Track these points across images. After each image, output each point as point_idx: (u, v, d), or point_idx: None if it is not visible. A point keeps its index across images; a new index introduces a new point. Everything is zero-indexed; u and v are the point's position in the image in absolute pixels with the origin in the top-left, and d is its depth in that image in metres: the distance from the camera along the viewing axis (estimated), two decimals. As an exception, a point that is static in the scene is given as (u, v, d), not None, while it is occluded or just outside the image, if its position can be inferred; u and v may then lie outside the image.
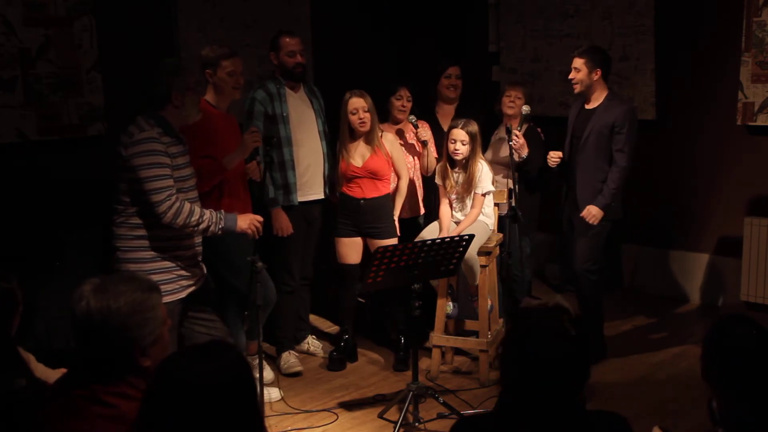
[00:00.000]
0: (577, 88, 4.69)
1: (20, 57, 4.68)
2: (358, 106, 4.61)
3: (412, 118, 4.92)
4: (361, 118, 4.61)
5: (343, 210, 4.77)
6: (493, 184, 4.76)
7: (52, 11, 4.77)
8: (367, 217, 4.71)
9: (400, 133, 4.99)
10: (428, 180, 5.08)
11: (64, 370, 2.53)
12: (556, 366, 1.91)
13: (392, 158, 4.76)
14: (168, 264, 3.58)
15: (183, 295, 3.64)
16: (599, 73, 4.64)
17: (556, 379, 1.92)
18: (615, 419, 2.06)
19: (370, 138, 4.66)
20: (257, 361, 3.95)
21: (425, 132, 4.94)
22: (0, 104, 4.63)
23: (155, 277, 3.45)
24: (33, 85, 4.73)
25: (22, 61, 4.68)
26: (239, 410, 1.76)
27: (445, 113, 5.30)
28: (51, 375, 2.93)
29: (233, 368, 1.79)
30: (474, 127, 4.64)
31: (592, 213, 4.62)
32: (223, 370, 1.77)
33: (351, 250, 4.73)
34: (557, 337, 1.93)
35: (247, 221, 3.73)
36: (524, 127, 4.99)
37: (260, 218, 3.81)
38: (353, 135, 4.68)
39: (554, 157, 4.73)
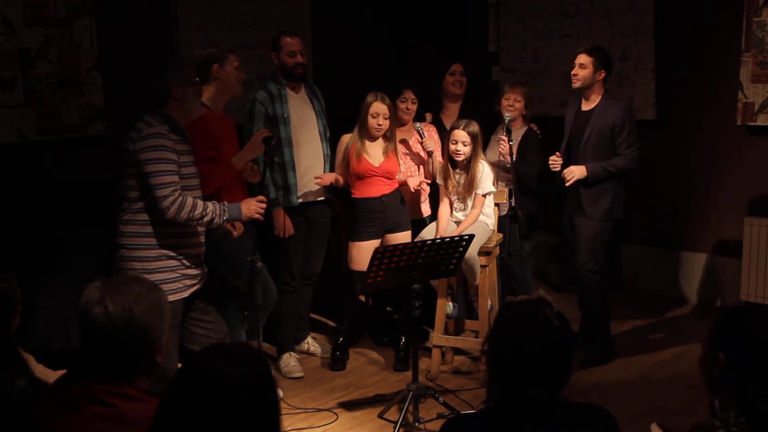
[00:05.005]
0: (577, 84, 4.65)
1: (20, 57, 4.67)
2: (380, 111, 4.61)
3: (418, 125, 4.90)
4: (380, 124, 4.62)
5: (363, 213, 4.72)
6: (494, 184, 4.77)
7: (52, 11, 4.77)
8: (390, 212, 4.72)
9: (404, 141, 4.97)
10: (433, 182, 5.09)
11: (64, 372, 2.53)
12: (540, 356, 1.98)
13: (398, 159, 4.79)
14: (173, 263, 3.59)
15: (186, 294, 3.65)
16: (603, 74, 4.64)
17: (541, 370, 1.99)
18: (599, 412, 2.10)
19: (388, 142, 4.68)
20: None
21: (430, 141, 4.91)
22: (0, 104, 4.63)
23: (160, 276, 3.47)
24: (33, 85, 4.73)
25: (22, 61, 4.68)
26: (260, 412, 1.76)
27: (450, 113, 5.29)
28: (51, 375, 2.93)
29: (256, 371, 1.79)
30: (475, 128, 4.63)
31: (571, 170, 4.56)
32: (246, 372, 1.76)
33: (367, 255, 4.65)
34: (540, 328, 2.00)
35: (252, 208, 3.75)
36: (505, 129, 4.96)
37: (263, 198, 3.83)
38: (370, 136, 4.69)
39: (556, 161, 4.71)
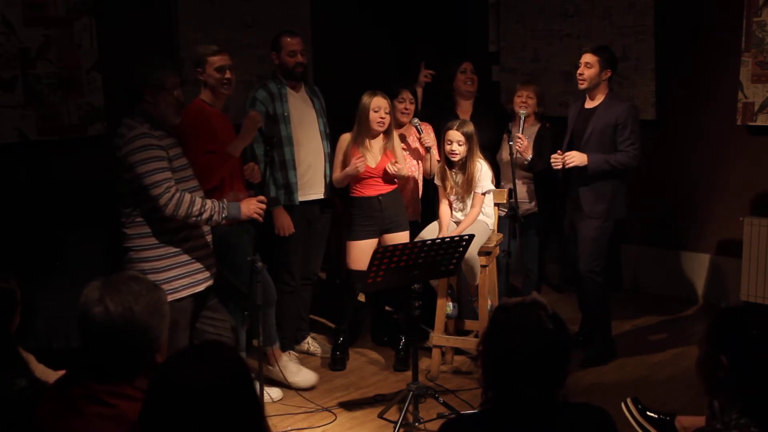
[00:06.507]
0: (584, 85, 4.64)
1: (20, 57, 4.68)
2: (382, 105, 4.62)
3: (416, 121, 4.91)
4: (382, 117, 4.62)
5: (360, 212, 4.73)
6: (492, 182, 4.77)
7: (52, 11, 4.78)
8: (387, 212, 4.72)
9: (403, 137, 4.98)
10: (426, 183, 5.08)
11: (64, 372, 2.53)
12: (534, 359, 1.97)
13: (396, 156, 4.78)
14: (182, 258, 3.59)
15: (202, 287, 3.65)
16: (609, 74, 4.64)
17: (536, 373, 1.98)
18: (597, 412, 2.10)
19: (387, 139, 4.68)
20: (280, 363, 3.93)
21: (428, 137, 4.92)
22: (0, 104, 4.63)
23: (171, 273, 3.48)
24: (33, 85, 4.74)
25: (22, 61, 4.68)
26: (238, 409, 1.76)
27: (464, 110, 5.30)
28: (51, 375, 2.93)
29: (229, 368, 1.79)
30: (470, 128, 4.65)
31: (573, 154, 4.56)
32: (219, 370, 1.76)
33: (365, 254, 4.59)
34: (535, 331, 1.99)
35: (251, 207, 3.74)
36: (523, 126, 4.98)
37: (263, 198, 3.83)
38: (370, 135, 4.68)
39: (558, 159, 4.69)
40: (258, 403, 1.84)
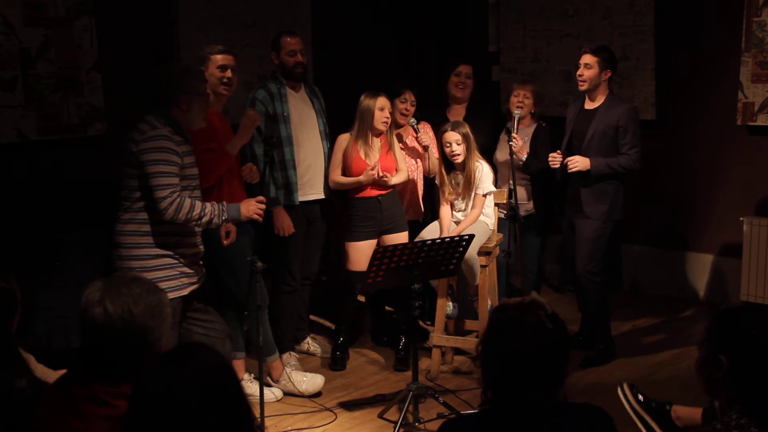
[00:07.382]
0: (584, 86, 4.65)
1: (20, 57, 4.67)
2: (386, 105, 4.63)
3: (413, 120, 4.91)
4: (387, 117, 4.63)
5: (360, 213, 4.72)
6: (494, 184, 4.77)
7: (52, 11, 4.77)
8: (387, 212, 4.71)
9: (400, 137, 4.97)
10: (427, 182, 5.08)
11: (64, 371, 2.53)
12: (534, 360, 1.97)
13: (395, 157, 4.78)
14: (171, 261, 3.61)
15: (186, 292, 3.67)
16: (609, 74, 4.64)
17: (535, 373, 1.98)
18: (597, 412, 2.10)
19: (386, 139, 4.69)
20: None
21: (426, 136, 4.92)
22: (0, 104, 4.63)
23: (158, 274, 3.49)
24: (33, 85, 4.73)
25: (22, 61, 4.68)
26: (224, 409, 1.76)
27: (456, 113, 5.28)
28: (51, 375, 2.93)
29: (209, 370, 1.79)
30: (465, 129, 4.65)
31: (576, 159, 4.56)
32: (199, 374, 1.77)
33: (364, 255, 4.55)
34: (534, 332, 1.99)
35: (251, 208, 3.76)
36: (517, 127, 4.97)
37: (262, 198, 3.84)
38: (373, 134, 4.67)
39: (556, 158, 4.70)
40: (244, 401, 1.84)
